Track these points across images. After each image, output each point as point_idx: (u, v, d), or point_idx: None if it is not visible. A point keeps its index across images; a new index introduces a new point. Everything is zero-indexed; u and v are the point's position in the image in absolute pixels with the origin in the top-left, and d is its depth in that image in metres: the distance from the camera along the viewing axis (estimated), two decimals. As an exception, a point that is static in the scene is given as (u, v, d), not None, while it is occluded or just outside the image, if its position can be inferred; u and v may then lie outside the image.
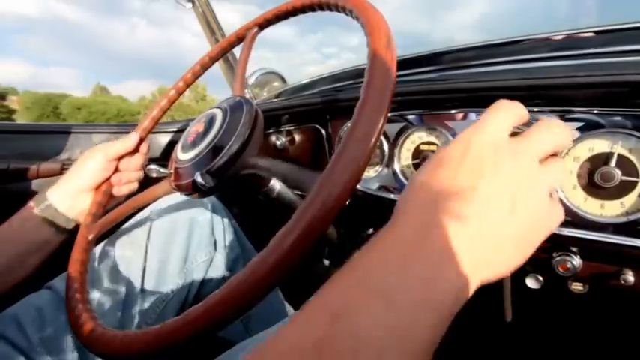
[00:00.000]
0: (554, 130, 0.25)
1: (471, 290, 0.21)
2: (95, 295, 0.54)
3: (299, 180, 0.34)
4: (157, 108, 0.60)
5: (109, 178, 0.57)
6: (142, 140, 0.60)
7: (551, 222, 0.24)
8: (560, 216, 0.25)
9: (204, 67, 0.60)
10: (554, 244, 0.43)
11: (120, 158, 0.58)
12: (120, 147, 0.57)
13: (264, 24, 0.54)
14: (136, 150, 0.59)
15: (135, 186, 0.60)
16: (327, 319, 0.18)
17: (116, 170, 0.58)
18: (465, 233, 0.21)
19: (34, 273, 0.53)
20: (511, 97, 0.41)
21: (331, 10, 0.42)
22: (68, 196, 0.54)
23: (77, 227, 0.53)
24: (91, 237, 0.49)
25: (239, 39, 0.57)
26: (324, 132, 0.69)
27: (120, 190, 0.58)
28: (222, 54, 0.59)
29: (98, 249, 0.58)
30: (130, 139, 0.58)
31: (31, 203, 0.53)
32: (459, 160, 0.23)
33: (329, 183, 0.25)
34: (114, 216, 0.51)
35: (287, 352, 0.17)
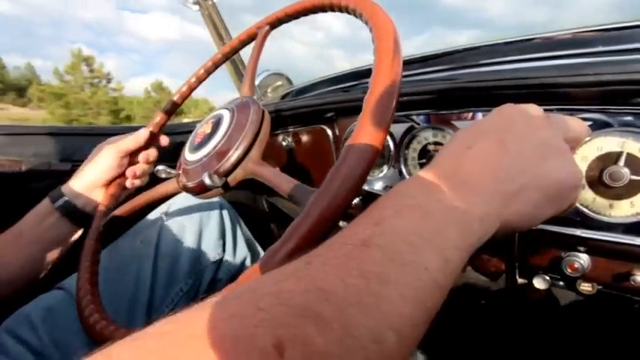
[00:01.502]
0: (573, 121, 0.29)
1: (495, 222, 0.24)
2: (105, 294, 0.55)
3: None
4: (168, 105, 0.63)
5: (122, 173, 0.59)
6: (152, 135, 0.62)
7: (575, 180, 0.27)
8: (581, 176, 0.27)
9: (216, 63, 0.61)
10: (563, 243, 0.43)
11: (132, 153, 0.60)
12: (132, 142, 0.59)
13: (276, 23, 0.55)
14: (146, 145, 0.61)
15: (145, 179, 0.62)
16: (370, 225, 0.21)
17: (129, 164, 0.60)
18: (494, 175, 0.24)
19: (50, 271, 0.54)
20: (519, 96, 0.41)
21: (341, 11, 0.43)
22: (83, 191, 0.56)
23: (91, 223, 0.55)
24: (102, 228, 0.51)
25: (250, 37, 0.57)
26: (330, 132, 0.69)
27: (133, 183, 0.60)
28: (234, 52, 0.61)
29: (109, 248, 0.59)
30: (141, 134, 0.60)
31: (47, 200, 0.54)
32: (493, 126, 0.27)
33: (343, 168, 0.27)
34: (125, 209, 0.52)
35: (339, 248, 0.20)
